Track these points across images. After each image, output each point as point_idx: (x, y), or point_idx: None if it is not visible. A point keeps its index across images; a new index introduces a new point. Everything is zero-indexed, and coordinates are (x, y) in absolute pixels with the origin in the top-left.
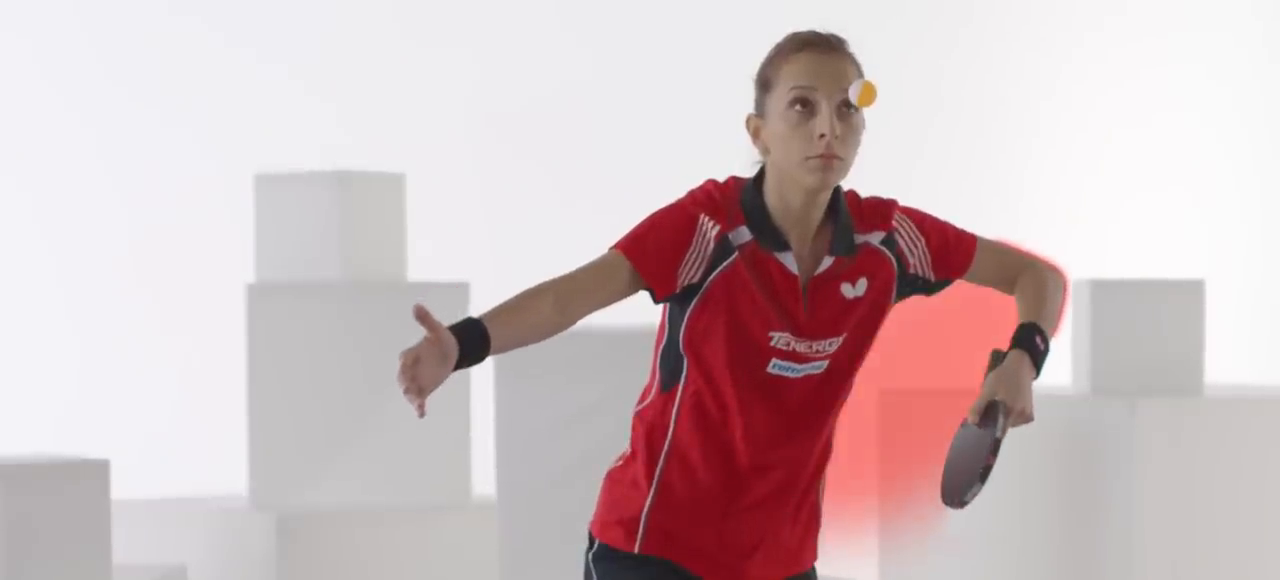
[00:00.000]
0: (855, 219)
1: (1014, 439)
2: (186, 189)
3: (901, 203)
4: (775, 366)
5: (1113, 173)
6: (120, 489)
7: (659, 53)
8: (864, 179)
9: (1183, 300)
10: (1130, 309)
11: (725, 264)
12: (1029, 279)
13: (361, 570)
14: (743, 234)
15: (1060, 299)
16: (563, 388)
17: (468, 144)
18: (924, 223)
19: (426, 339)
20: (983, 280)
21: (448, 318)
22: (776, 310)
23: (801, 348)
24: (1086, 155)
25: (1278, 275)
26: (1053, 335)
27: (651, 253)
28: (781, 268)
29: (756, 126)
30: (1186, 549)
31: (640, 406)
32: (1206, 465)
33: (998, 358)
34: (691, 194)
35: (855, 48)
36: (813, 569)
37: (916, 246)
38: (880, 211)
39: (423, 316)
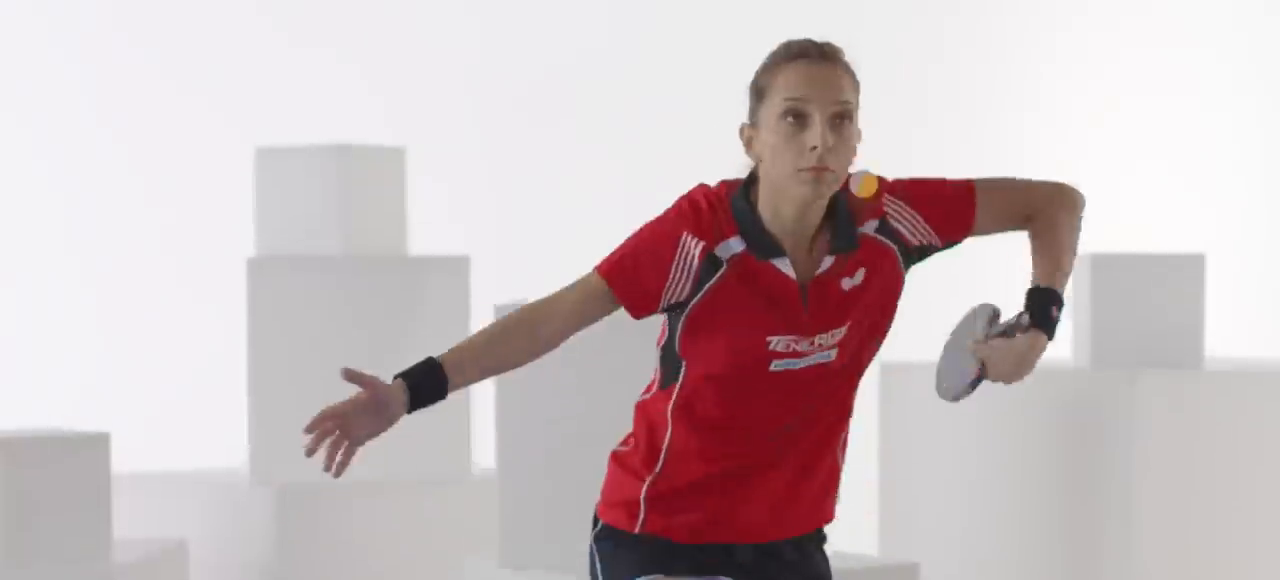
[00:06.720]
0: (852, 211)
1: (1013, 413)
2: (187, 162)
3: (886, 178)
4: (778, 365)
5: (1114, 145)
6: (121, 462)
7: (666, 24)
8: (864, 145)
9: (1183, 274)
10: (1131, 282)
11: (713, 280)
12: (1043, 225)
13: (362, 543)
14: (732, 246)
15: (1078, 237)
16: (564, 359)
17: (469, 117)
18: (914, 196)
19: (356, 396)
20: (993, 229)
21: (448, 292)
22: (774, 317)
23: (804, 346)
24: (1087, 127)
25: (1278, 249)
26: (1069, 275)
27: (630, 276)
28: (777, 274)
29: (749, 135)
30: (1185, 522)
31: (643, 397)
32: (1206, 438)
33: (1022, 316)
34: (678, 206)
35: (857, 38)
36: (820, 531)
37: (915, 225)
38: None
39: (353, 377)
